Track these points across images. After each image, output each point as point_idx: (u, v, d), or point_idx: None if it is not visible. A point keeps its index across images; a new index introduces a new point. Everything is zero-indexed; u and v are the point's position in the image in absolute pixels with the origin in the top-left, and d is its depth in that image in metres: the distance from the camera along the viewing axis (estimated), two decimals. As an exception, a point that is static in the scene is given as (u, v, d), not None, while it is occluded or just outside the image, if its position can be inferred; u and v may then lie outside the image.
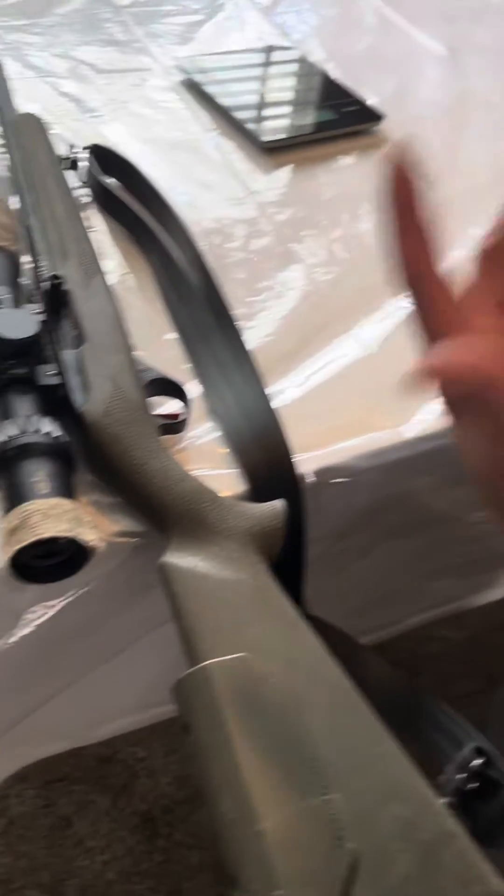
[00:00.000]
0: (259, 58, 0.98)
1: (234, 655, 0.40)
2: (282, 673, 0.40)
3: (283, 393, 0.59)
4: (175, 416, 0.55)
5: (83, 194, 0.73)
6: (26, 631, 0.50)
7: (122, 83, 0.90)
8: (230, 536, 0.47)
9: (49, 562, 0.45)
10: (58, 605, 0.50)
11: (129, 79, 0.91)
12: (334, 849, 0.35)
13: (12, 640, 0.50)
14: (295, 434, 0.54)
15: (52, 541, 0.43)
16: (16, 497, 0.45)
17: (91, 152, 0.73)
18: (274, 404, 0.56)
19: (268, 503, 0.49)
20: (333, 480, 0.55)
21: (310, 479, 0.54)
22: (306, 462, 0.54)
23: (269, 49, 0.99)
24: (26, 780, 1.16)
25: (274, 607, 0.44)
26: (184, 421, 0.55)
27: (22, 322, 0.52)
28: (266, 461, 0.53)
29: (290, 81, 0.94)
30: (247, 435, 0.55)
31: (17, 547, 0.42)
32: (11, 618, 0.49)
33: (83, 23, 0.99)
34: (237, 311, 0.63)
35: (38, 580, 0.45)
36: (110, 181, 0.73)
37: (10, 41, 0.93)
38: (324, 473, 0.54)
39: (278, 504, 0.49)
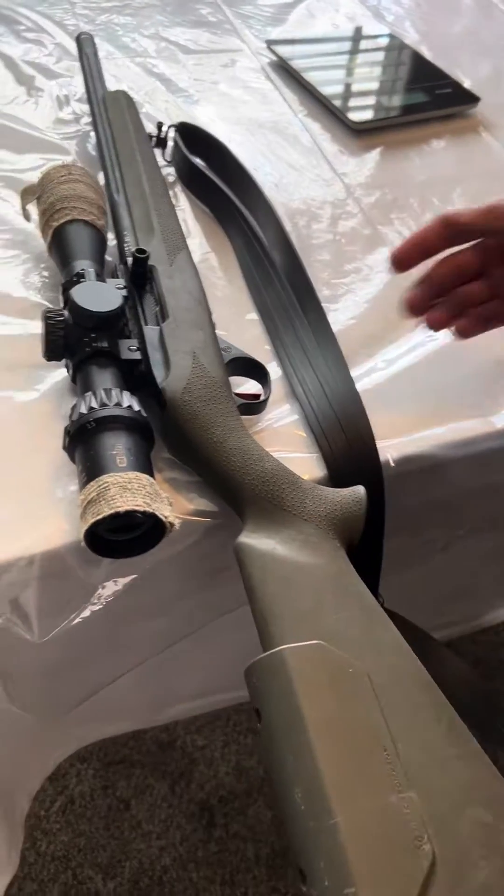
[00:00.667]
0: (350, 39, 0.96)
1: (310, 642, 0.39)
2: (359, 662, 0.39)
3: (367, 377, 0.57)
4: (256, 396, 0.54)
5: (169, 172, 0.72)
6: (97, 607, 0.49)
7: (212, 64, 0.89)
8: (309, 520, 0.45)
9: (125, 536, 0.44)
10: (129, 582, 0.49)
11: (219, 59, 0.90)
12: (411, 849, 0.33)
13: (83, 616, 0.49)
14: (377, 420, 0.52)
15: (129, 515, 0.42)
16: (94, 469, 0.44)
17: (177, 130, 0.73)
18: (357, 388, 0.54)
19: (349, 489, 0.47)
20: (415, 469, 0.53)
21: (391, 467, 0.52)
22: (388, 449, 0.52)
23: (361, 31, 0.97)
24: (86, 761, 1.17)
25: (352, 595, 0.42)
26: (265, 401, 0.53)
27: (106, 296, 0.51)
28: (348, 447, 0.51)
29: (382, 63, 0.92)
30: (330, 419, 0.53)
31: (95, 519, 0.41)
32: (84, 593, 0.49)
33: (174, 4, 0.98)
34: (322, 293, 0.61)
35: (113, 554, 0.44)
36: (196, 160, 0.72)
37: (100, 22, 0.94)
38: (406, 462, 0.52)
39: (360, 490, 0.47)
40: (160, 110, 0.80)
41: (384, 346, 0.60)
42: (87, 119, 0.77)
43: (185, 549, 0.49)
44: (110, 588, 0.49)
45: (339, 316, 0.62)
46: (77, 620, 0.49)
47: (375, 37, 0.96)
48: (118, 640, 0.55)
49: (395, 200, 0.73)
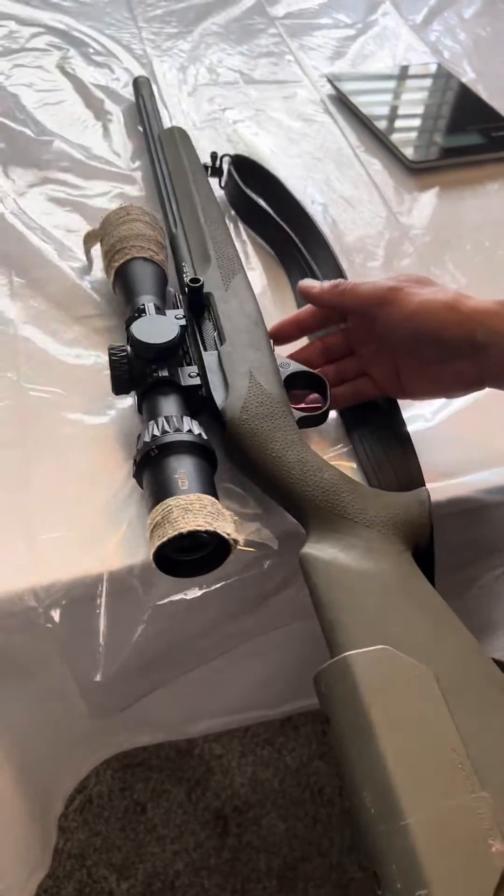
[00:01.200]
0: (409, 76, 0.98)
1: (376, 647, 0.40)
2: (427, 664, 0.40)
3: (417, 420, 0.59)
4: (316, 408, 0.56)
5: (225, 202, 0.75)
6: (151, 626, 0.52)
7: (272, 94, 0.91)
8: (371, 526, 0.47)
9: (192, 556, 0.47)
10: (186, 598, 0.51)
11: (280, 90, 0.92)
12: (484, 850, 0.34)
13: (137, 633, 0.52)
14: (424, 461, 0.54)
15: (194, 535, 0.44)
16: (160, 493, 0.47)
17: (232, 162, 0.75)
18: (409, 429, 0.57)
19: (413, 492, 0.49)
20: (458, 511, 0.55)
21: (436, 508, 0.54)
22: (434, 492, 0.54)
23: (420, 68, 0.99)
24: (106, 762, 1.18)
25: (419, 598, 0.44)
26: (325, 412, 0.55)
27: (163, 327, 0.54)
28: (398, 487, 0.53)
29: (439, 101, 0.94)
30: (381, 458, 0.55)
31: (161, 542, 0.44)
32: (139, 612, 0.51)
33: (238, 32, 1.00)
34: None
35: (182, 574, 0.47)
36: (251, 192, 0.74)
37: (165, 47, 0.96)
38: (450, 504, 0.54)
39: (423, 492, 0.49)
40: (220, 136, 0.83)
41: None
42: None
43: (239, 577, 0.51)
44: (165, 608, 0.51)
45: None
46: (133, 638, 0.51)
47: (433, 75, 0.97)
48: (162, 656, 0.57)
49: (449, 242, 0.75)
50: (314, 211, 0.72)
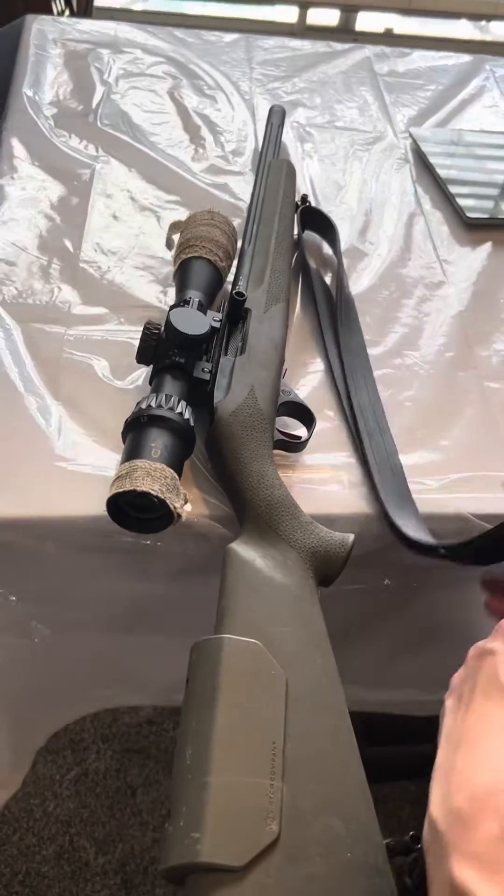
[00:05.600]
0: (488, 141, 1.01)
1: (250, 640, 0.45)
2: (286, 671, 0.44)
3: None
4: (298, 438, 0.61)
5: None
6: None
7: (356, 139, 0.97)
8: (293, 547, 0.52)
9: (143, 515, 0.53)
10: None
11: (363, 136, 0.98)
12: (260, 823, 0.38)
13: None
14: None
15: (146, 497, 0.50)
16: (132, 452, 0.53)
17: (300, 211, 0.80)
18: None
19: (342, 534, 0.54)
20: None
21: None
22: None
23: (501, 134, 1.02)
24: (108, 741, 1.25)
25: (304, 618, 0.49)
26: (304, 443, 0.60)
27: (197, 322, 0.60)
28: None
29: None
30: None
31: (116, 491, 0.50)
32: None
33: (339, 82, 1.08)
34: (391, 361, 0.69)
35: (128, 527, 0.53)
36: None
37: (270, 87, 1.03)
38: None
39: (349, 537, 0.53)
40: (300, 167, 0.90)
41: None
42: (233, 175, 0.88)
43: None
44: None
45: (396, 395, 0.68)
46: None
47: None
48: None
49: (485, 293, 0.78)
50: (367, 246, 0.78)
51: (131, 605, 0.63)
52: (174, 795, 0.41)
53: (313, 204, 0.81)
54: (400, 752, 1.04)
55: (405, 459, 0.62)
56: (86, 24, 1.10)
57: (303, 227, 0.80)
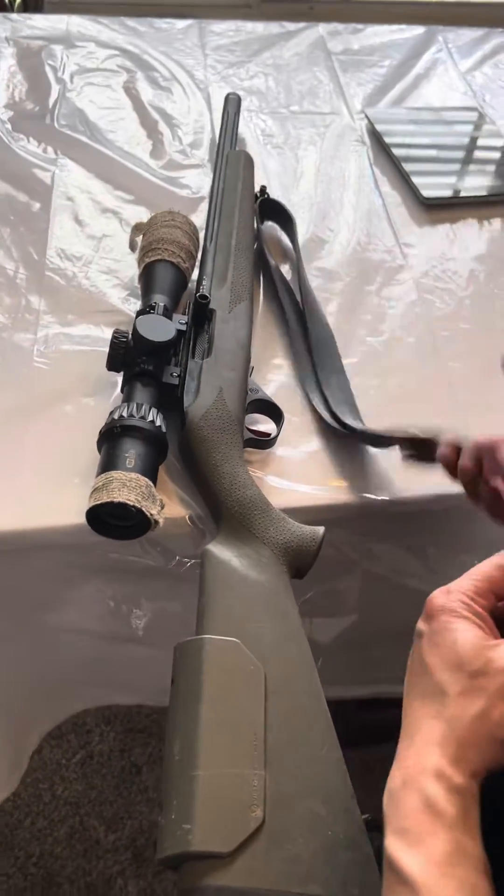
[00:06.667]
0: (444, 117, 1.02)
1: (229, 639, 0.48)
2: (264, 664, 0.47)
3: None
4: (267, 435, 0.63)
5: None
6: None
7: (314, 122, 0.98)
8: (267, 544, 0.54)
9: (122, 523, 0.55)
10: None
11: (322, 120, 0.99)
12: (245, 811, 0.42)
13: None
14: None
15: (123, 506, 0.53)
16: (107, 464, 0.55)
17: (259, 202, 0.81)
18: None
19: (311, 527, 0.56)
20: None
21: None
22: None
23: (455, 111, 1.03)
24: (111, 723, 1.29)
25: (280, 610, 0.51)
26: (273, 440, 0.63)
27: (163, 328, 0.62)
28: None
29: (465, 144, 0.98)
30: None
31: (93, 504, 0.52)
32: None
33: (295, 64, 1.08)
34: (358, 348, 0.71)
35: (108, 535, 0.55)
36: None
37: (225, 74, 1.04)
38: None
39: (319, 530, 0.56)
40: (257, 159, 0.90)
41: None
42: (192, 168, 0.89)
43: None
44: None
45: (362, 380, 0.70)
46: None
47: (468, 118, 1.02)
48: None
49: (445, 274, 0.80)
50: (328, 233, 0.79)
51: (116, 610, 0.65)
52: (165, 789, 0.44)
53: (271, 194, 0.82)
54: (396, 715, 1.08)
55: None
56: (38, 20, 1.10)
57: (261, 219, 0.81)
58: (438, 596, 0.40)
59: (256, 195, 0.81)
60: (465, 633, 0.38)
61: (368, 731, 0.75)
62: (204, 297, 0.65)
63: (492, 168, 0.93)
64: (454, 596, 0.40)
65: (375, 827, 0.44)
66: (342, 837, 0.43)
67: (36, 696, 0.75)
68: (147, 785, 1.24)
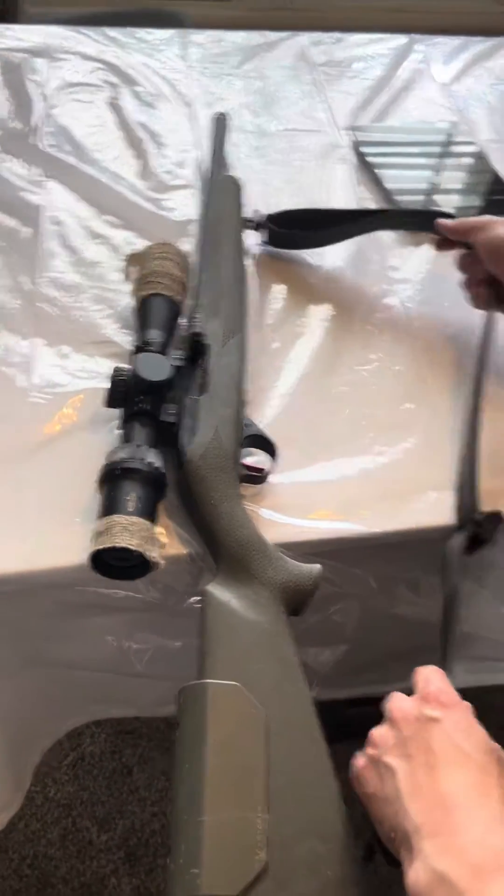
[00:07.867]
0: (425, 137, 1.03)
1: (230, 682, 0.50)
2: (262, 707, 0.49)
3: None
4: (260, 470, 0.64)
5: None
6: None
7: (298, 138, 0.99)
8: (265, 585, 0.56)
9: (124, 564, 0.56)
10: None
11: (306, 137, 0.99)
12: (250, 854, 0.44)
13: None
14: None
15: (125, 549, 0.54)
16: (109, 508, 0.57)
17: (267, 222, 0.83)
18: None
19: (309, 565, 0.58)
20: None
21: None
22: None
23: (437, 126, 1.04)
24: (101, 725, 1.31)
25: (278, 652, 0.53)
26: (266, 475, 0.64)
27: (159, 366, 0.63)
28: None
29: (448, 164, 0.99)
30: None
31: (97, 548, 0.54)
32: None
33: (280, 77, 1.08)
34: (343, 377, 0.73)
35: (109, 575, 0.57)
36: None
37: (213, 90, 1.05)
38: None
39: (316, 567, 0.57)
40: (242, 172, 0.90)
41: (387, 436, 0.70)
42: (180, 189, 0.89)
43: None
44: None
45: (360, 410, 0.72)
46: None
47: (447, 134, 1.02)
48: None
49: (431, 299, 0.82)
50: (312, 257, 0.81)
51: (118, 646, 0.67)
52: (173, 834, 0.46)
53: (258, 215, 0.83)
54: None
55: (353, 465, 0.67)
56: (17, 30, 1.09)
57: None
58: (448, 690, 0.47)
59: (245, 220, 0.81)
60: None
61: (356, 725, 0.78)
62: (199, 334, 0.66)
63: (473, 189, 0.95)
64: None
65: (372, 852, 0.47)
66: (341, 875, 0.45)
67: (38, 719, 0.76)
68: (138, 785, 1.27)
